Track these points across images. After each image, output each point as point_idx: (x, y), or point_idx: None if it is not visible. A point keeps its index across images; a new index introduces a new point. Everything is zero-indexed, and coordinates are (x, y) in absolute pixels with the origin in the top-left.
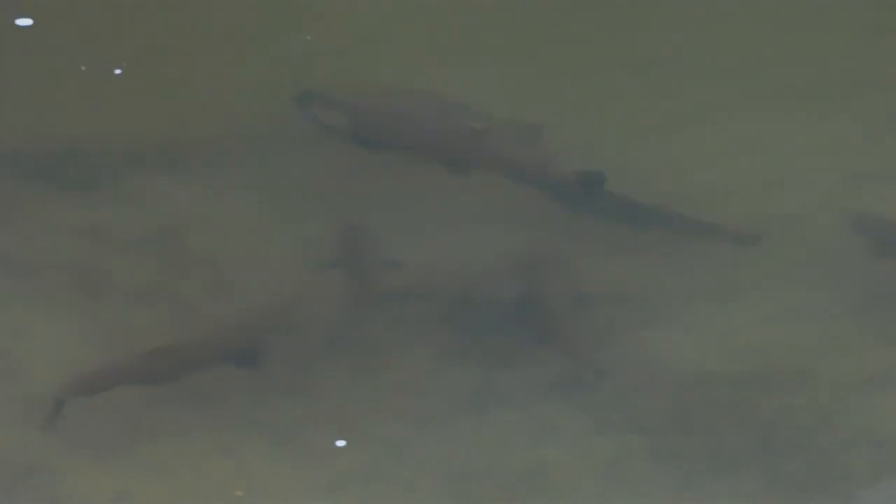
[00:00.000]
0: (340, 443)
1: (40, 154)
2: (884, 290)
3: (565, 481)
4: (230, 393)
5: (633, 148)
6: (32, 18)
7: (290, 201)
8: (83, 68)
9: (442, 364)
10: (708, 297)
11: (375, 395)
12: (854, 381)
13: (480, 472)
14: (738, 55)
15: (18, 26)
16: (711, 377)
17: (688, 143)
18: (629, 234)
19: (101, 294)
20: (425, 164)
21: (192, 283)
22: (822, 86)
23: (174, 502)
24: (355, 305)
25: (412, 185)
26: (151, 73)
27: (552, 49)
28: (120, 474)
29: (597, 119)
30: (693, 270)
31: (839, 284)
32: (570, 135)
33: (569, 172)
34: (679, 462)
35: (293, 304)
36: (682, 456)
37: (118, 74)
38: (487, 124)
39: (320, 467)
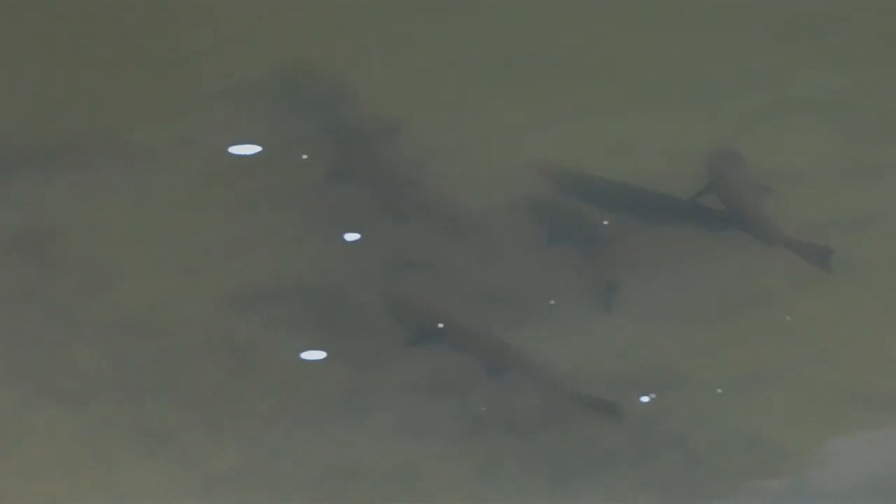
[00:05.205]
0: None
1: None
2: (748, 288)
3: (438, 480)
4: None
5: (498, 149)
6: None
7: (165, 205)
8: None
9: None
10: (580, 297)
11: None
12: (726, 381)
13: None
14: (601, 56)
15: None
16: (586, 378)
17: (551, 144)
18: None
19: None
20: None
21: (62, 286)
22: (685, 88)
23: None
24: None
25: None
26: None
27: (420, 49)
28: None
29: (460, 119)
30: (564, 271)
31: (711, 284)
32: (435, 136)
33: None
34: (551, 462)
35: None
36: (554, 456)
37: None
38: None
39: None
